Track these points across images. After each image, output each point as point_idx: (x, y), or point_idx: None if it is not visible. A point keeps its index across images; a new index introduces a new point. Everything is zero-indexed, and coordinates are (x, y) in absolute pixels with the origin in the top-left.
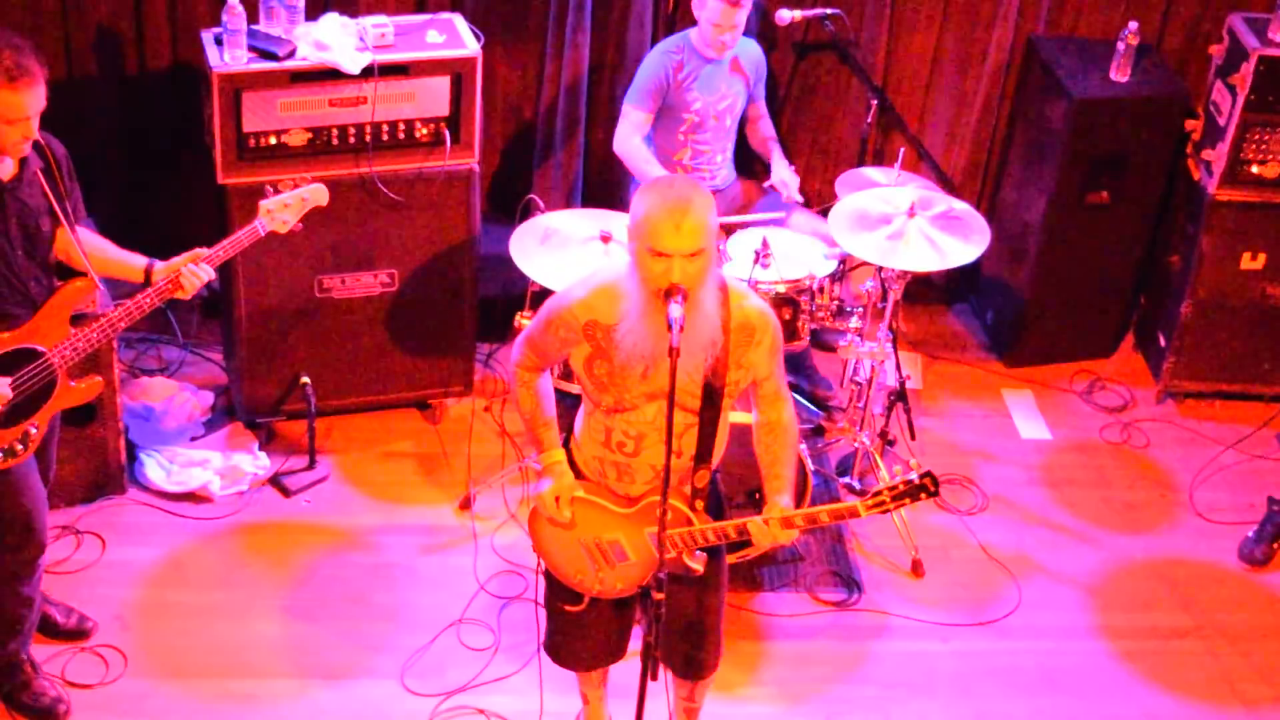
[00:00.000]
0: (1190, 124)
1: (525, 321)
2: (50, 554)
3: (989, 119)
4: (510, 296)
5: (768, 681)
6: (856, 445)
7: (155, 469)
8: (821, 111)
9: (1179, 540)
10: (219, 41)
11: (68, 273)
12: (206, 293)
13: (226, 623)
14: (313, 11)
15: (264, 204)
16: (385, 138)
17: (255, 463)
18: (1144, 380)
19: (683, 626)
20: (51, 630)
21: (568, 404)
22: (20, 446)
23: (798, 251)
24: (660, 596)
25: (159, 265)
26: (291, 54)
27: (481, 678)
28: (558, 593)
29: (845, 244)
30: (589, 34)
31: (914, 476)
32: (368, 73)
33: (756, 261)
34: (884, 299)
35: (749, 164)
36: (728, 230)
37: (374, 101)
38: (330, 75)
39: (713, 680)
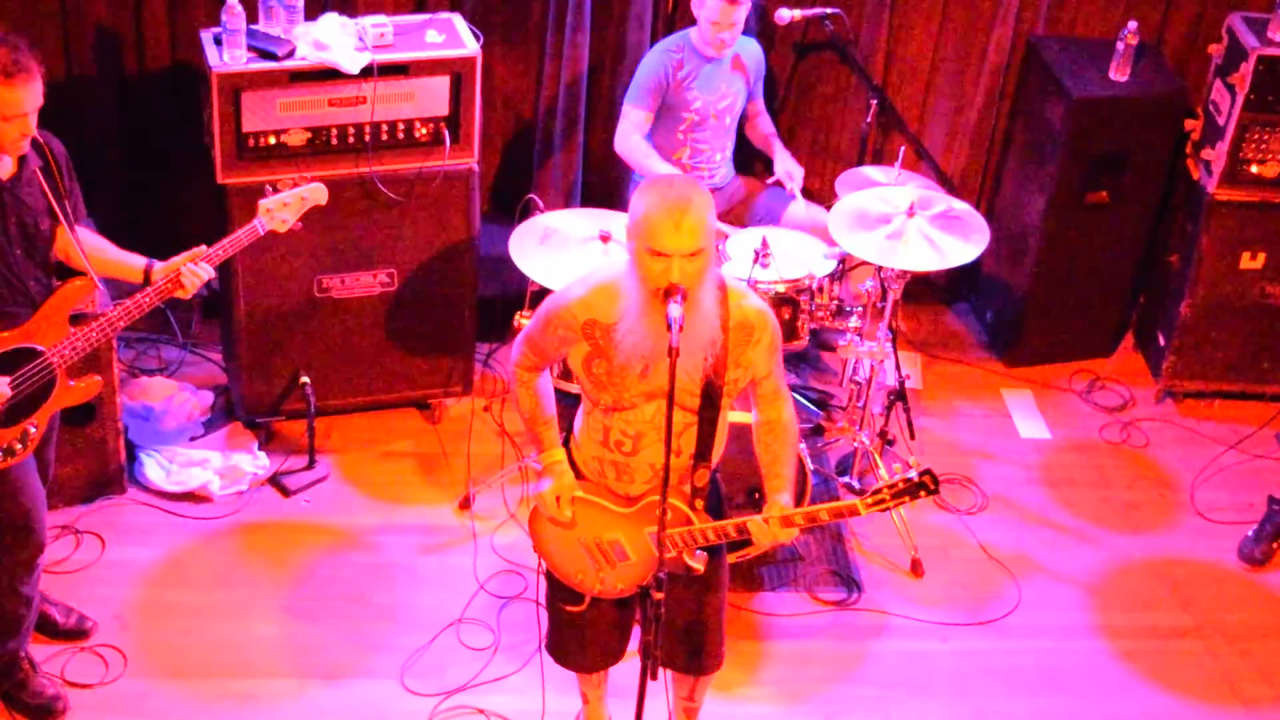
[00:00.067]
0: (1190, 123)
1: (525, 321)
2: (50, 554)
3: (988, 118)
4: (510, 296)
5: (767, 681)
6: (856, 445)
7: (155, 469)
8: (821, 111)
9: (1178, 540)
10: (218, 41)
11: (67, 272)
12: (206, 292)
13: (226, 622)
14: (312, 11)
15: (263, 203)
16: (385, 137)
17: (255, 462)
18: (1143, 380)
19: (684, 626)
20: (51, 630)
21: (567, 403)
22: (19, 446)
23: (797, 251)
24: (660, 596)
25: (158, 265)
26: (291, 54)
27: (481, 677)
28: (558, 593)
29: (845, 243)
30: (588, 33)
31: (914, 475)
32: (367, 72)
33: (756, 261)
34: (883, 298)
35: (748, 162)
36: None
37: (373, 101)
38: (330, 75)
39: (713, 679)
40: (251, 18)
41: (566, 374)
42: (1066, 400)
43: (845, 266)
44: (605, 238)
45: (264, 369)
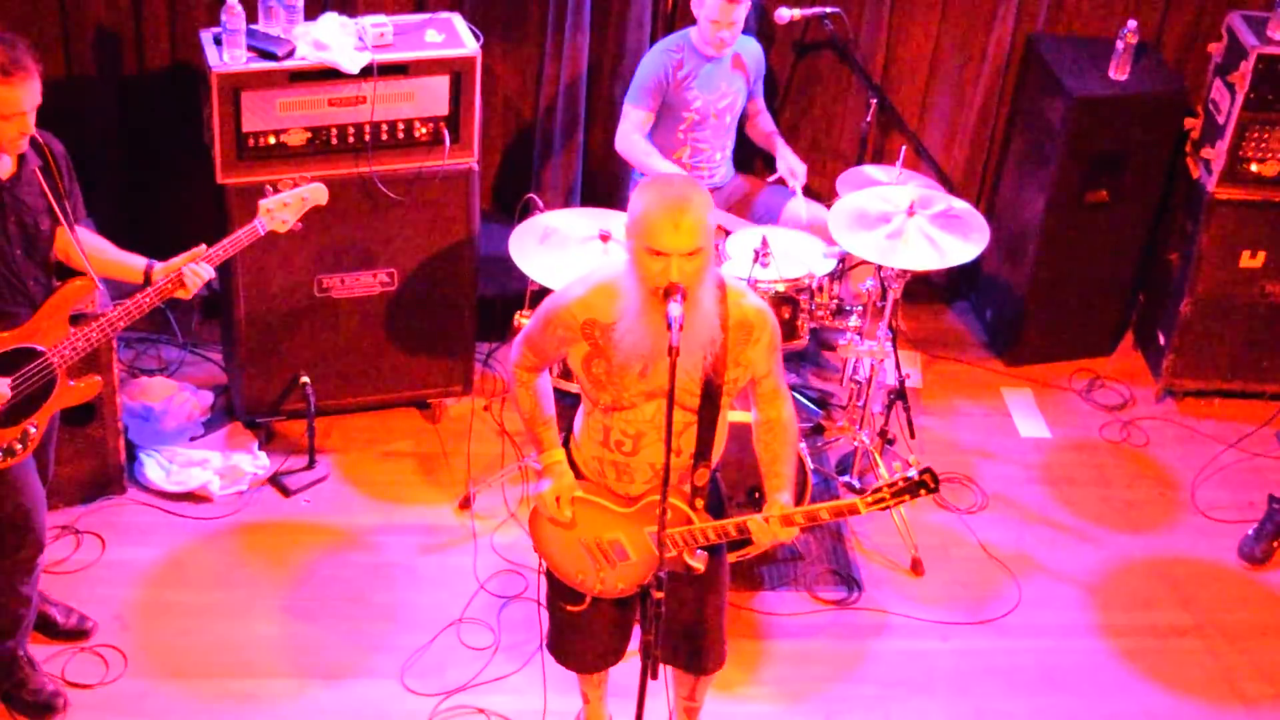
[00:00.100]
0: (1189, 122)
1: (524, 320)
2: (50, 554)
3: (988, 117)
4: (509, 296)
5: (767, 680)
6: (856, 444)
7: (155, 469)
8: (821, 110)
9: (1179, 539)
10: (218, 41)
11: (67, 273)
12: (206, 292)
13: (226, 622)
14: (311, 11)
15: (263, 203)
16: (384, 137)
17: (255, 462)
18: (1143, 378)
19: (684, 625)
20: (51, 630)
21: (567, 403)
22: (19, 446)
23: (797, 250)
24: (660, 595)
25: (158, 266)
26: (290, 54)
27: (481, 677)
28: (559, 593)
29: (845, 243)
30: (588, 33)
31: (913, 473)
32: (367, 72)
33: (756, 260)
34: (883, 298)
35: (749, 160)
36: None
37: (373, 101)
38: (329, 75)
39: (714, 679)
40: (251, 17)
41: (566, 373)
42: (1066, 399)
43: (845, 266)
44: (605, 237)
45: (264, 369)
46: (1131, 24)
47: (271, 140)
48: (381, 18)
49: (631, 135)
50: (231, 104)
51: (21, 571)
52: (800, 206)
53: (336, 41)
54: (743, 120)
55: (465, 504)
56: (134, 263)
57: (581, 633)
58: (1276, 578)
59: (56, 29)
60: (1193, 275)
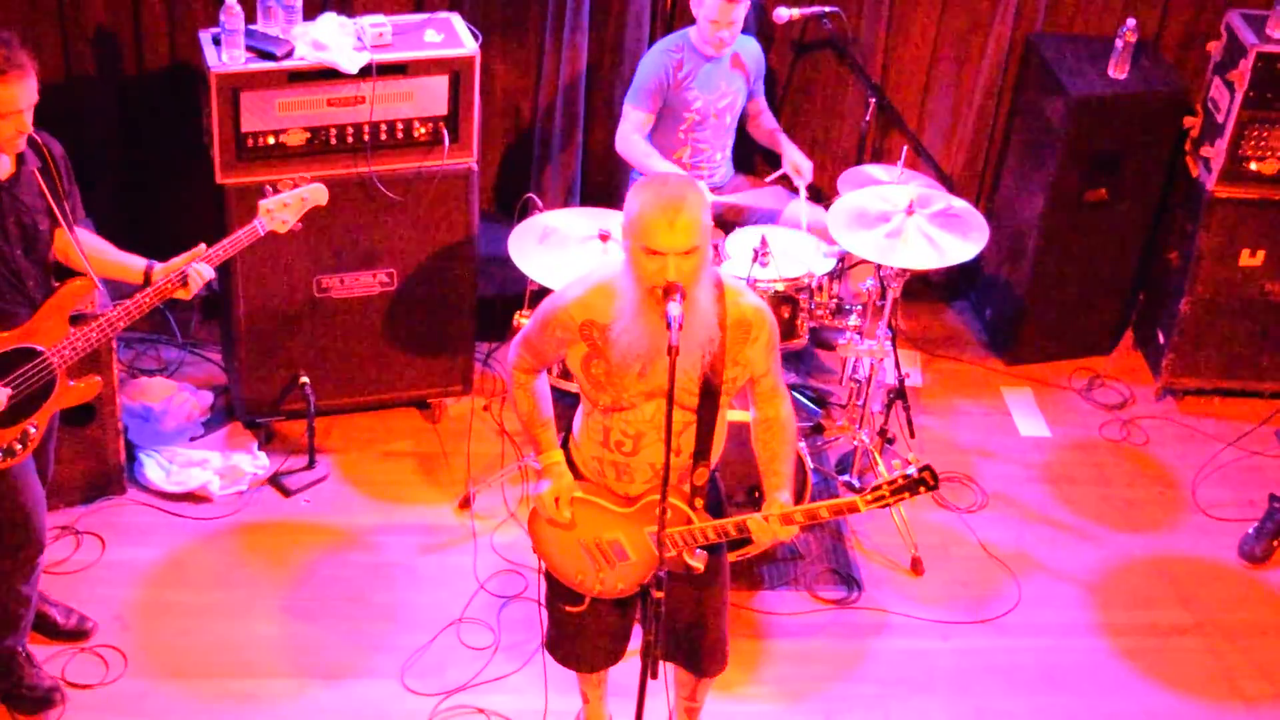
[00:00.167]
0: (1189, 121)
1: (524, 320)
2: (50, 554)
3: (987, 116)
4: (509, 295)
5: (767, 680)
6: (856, 443)
7: (154, 469)
8: (820, 109)
9: (1179, 537)
10: (217, 41)
11: (67, 273)
12: (206, 292)
13: (226, 622)
14: (310, 11)
15: (263, 204)
16: (384, 137)
17: (254, 462)
18: (1143, 377)
19: (685, 624)
20: (51, 630)
21: (567, 403)
22: (19, 446)
23: (796, 249)
24: (660, 595)
25: (158, 266)
26: (289, 54)
27: (481, 677)
28: (558, 593)
29: (844, 242)
30: (587, 33)
31: (913, 471)
32: (366, 72)
33: (755, 260)
34: (883, 297)
35: (749, 158)
36: (725, 227)
37: (372, 101)
38: (328, 75)
39: (715, 680)
40: (250, 18)
41: (566, 373)
42: (1066, 398)
43: (845, 265)
44: (604, 237)
45: (264, 369)
46: (1130, 23)
47: (271, 140)
48: (380, 17)
49: (631, 136)
50: (230, 104)
51: (21, 572)
52: (800, 209)
53: (335, 41)
54: (745, 120)
55: (465, 504)
56: (133, 263)
57: (581, 633)
58: (1277, 577)
59: (56, 29)
60: (1192, 274)
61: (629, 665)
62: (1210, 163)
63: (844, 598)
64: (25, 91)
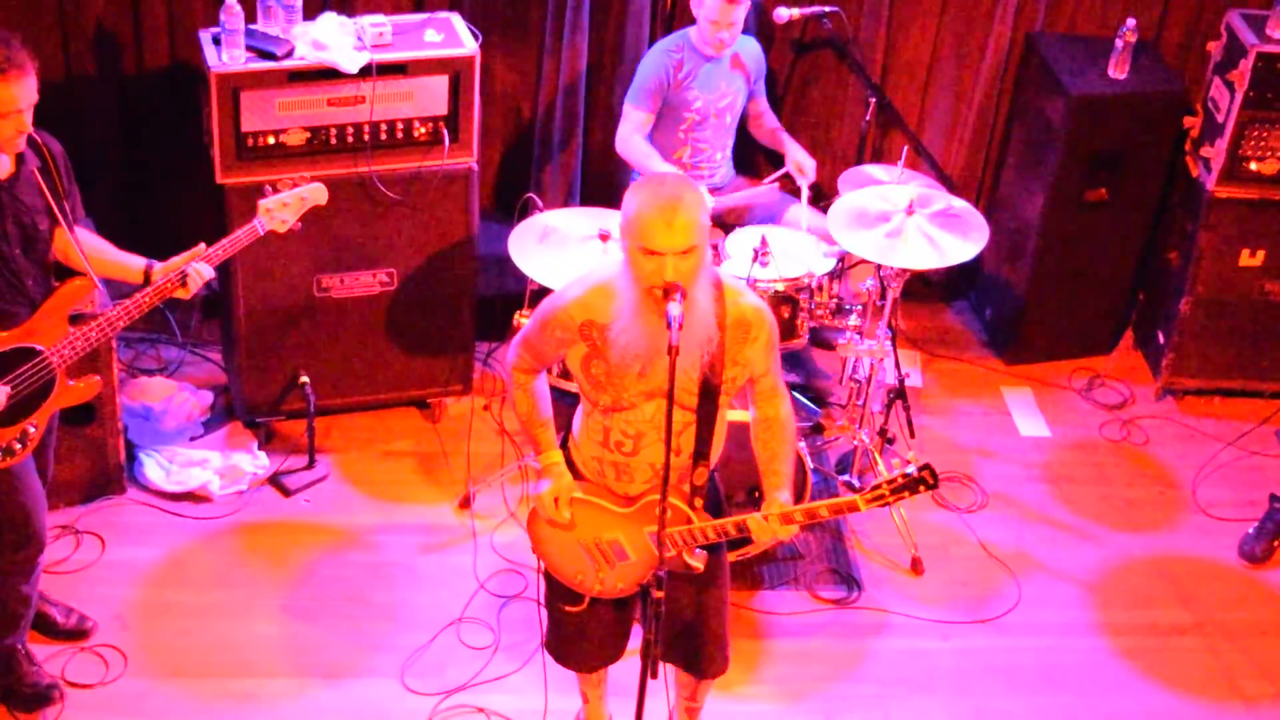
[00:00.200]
0: (1189, 121)
1: (524, 320)
2: (50, 554)
3: (987, 116)
4: (509, 295)
5: (767, 679)
6: (855, 443)
7: (154, 469)
8: (820, 109)
9: (1178, 537)
10: (217, 41)
11: (66, 273)
12: (206, 292)
13: (226, 622)
14: (310, 11)
15: (263, 203)
16: (384, 137)
17: (254, 462)
18: (1143, 377)
19: (685, 624)
20: (51, 630)
21: (567, 402)
22: (18, 445)
23: (797, 249)
24: (660, 595)
25: (158, 266)
26: (289, 53)
27: (481, 676)
28: (558, 593)
29: (844, 242)
30: (587, 32)
31: (912, 470)
32: (366, 72)
33: (755, 259)
34: (883, 297)
35: (751, 159)
36: (725, 228)
37: (372, 101)
38: (328, 75)
39: (715, 681)
40: (250, 17)
41: (566, 373)
42: (1066, 398)
43: (845, 265)
44: (605, 236)
45: (263, 369)
46: (1130, 22)
47: (270, 140)
48: (380, 17)
49: (632, 136)
50: (230, 104)
51: (21, 571)
52: (801, 214)
53: (335, 41)
54: (747, 121)
55: (465, 503)
56: (133, 263)
57: (580, 633)
58: (1276, 576)
59: (56, 29)
60: (1192, 274)
61: (629, 665)
62: (1210, 163)
63: (844, 597)
64: (25, 91)
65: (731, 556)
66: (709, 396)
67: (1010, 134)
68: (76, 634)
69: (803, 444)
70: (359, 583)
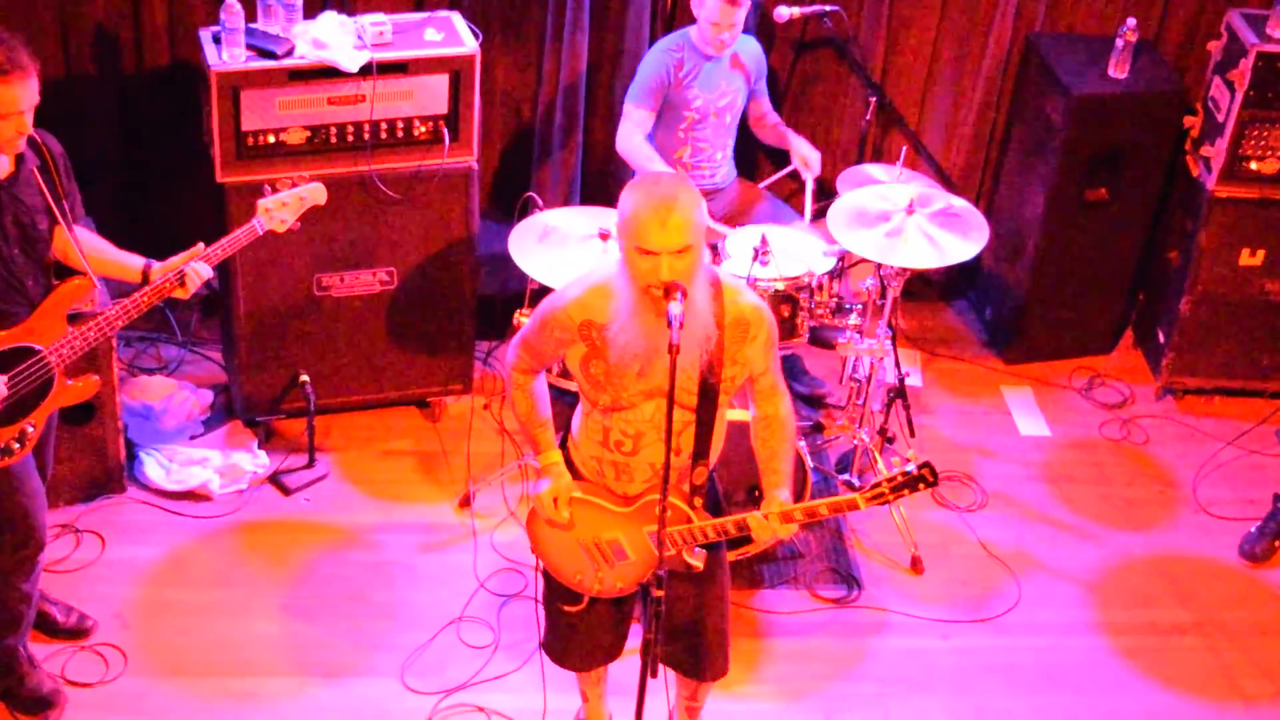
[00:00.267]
0: (1189, 120)
1: (524, 319)
2: (50, 552)
3: (987, 116)
4: (509, 294)
5: (767, 679)
6: (855, 442)
7: (154, 467)
8: (820, 109)
9: (1178, 536)
10: (217, 40)
11: (66, 272)
12: (205, 291)
13: (226, 621)
14: (310, 10)
15: (262, 203)
16: (384, 136)
17: (254, 461)
18: (1143, 377)
19: (685, 623)
20: (51, 629)
21: (567, 401)
22: (17, 445)
23: (797, 249)
24: (660, 594)
25: (157, 266)
26: (290, 52)
27: (481, 675)
28: (557, 593)
29: (844, 241)
30: (587, 32)
31: (912, 468)
32: (366, 71)
33: (755, 258)
34: (883, 296)
35: (749, 164)
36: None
37: (372, 100)
38: (328, 73)
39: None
40: (250, 16)
41: (566, 372)
42: (1066, 397)
43: (845, 264)
44: (605, 235)
45: (263, 367)
46: (1131, 22)
47: (271, 139)
48: (380, 16)
49: (633, 136)
50: (231, 103)
51: (22, 570)
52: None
53: (335, 40)
54: (751, 122)
55: (465, 502)
56: (132, 262)
57: (578, 632)
58: (1276, 575)
59: (56, 28)
60: (1192, 273)
61: (629, 664)
62: (1210, 162)
63: (844, 597)
64: (27, 92)
65: (731, 555)
66: (708, 396)
67: (1010, 134)
68: (76, 633)
69: (803, 443)
70: (359, 582)
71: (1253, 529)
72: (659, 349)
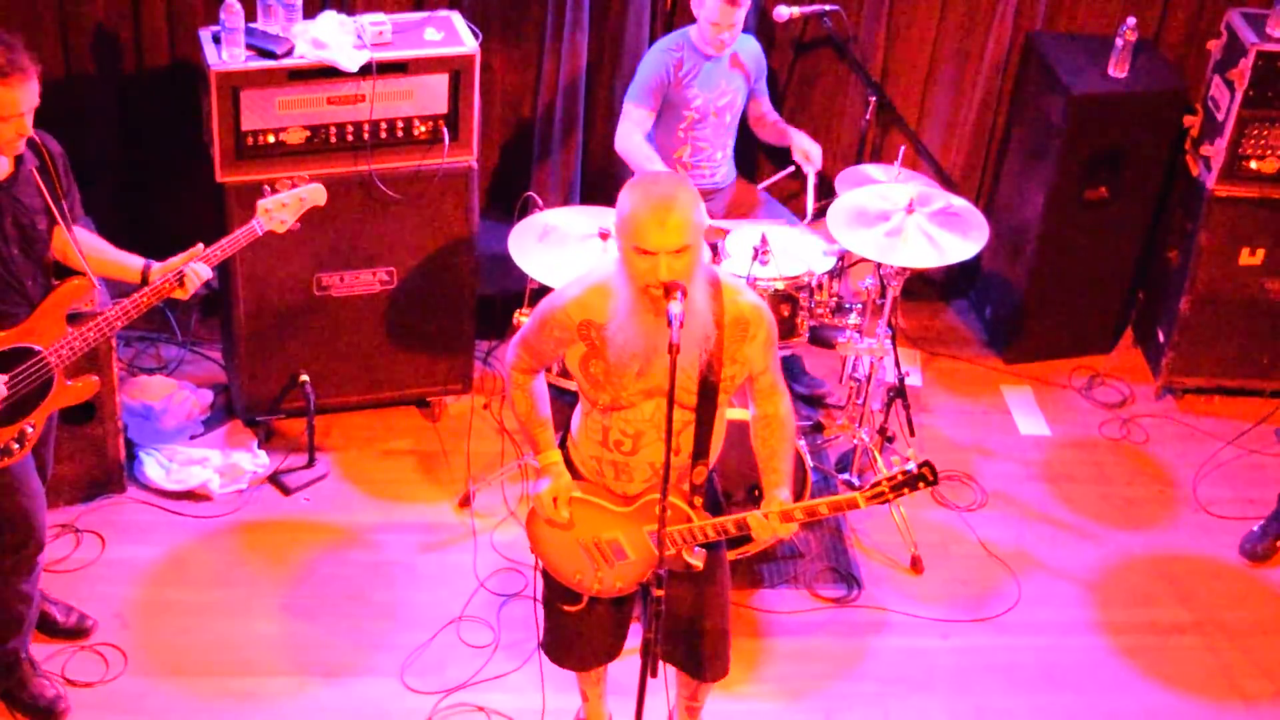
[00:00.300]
0: (1189, 119)
1: (524, 318)
2: (50, 552)
3: (987, 115)
4: (509, 294)
5: (767, 678)
6: (855, 442)
7: (154, 467)
8: (820, 108)
9: (1178, 536)
10: (217, 40)
11: (65, 273)
12: (205, 291)
13: (226, 621)
14: (310, 9)
15: (261, 203)
16: (384, 135)
17: (254, 461)
18: (1143, 376)
19: (685, 622)
20: (51, 629)
21: (566, 401)
22: (16, 445)
23: (796, 248)
24: (660, 593)
25: (156, 266)
26: (289, 52)
27: (481, 675)
28: (556, 592)
29: (844, 241)
30: (587, 31)
31: (912, 467)
32: (366, 70)
33: (755, 258)
34: (883, 295)
35: (749, 164)
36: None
37: (372, 99)
38: (328, 73)
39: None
40: (250, 16)
41: (565, 371)
42: (1066, 397)
43: (844, 263)
44: (604, 235)
45: (263, 367)
46: (1130, 21)
47: (270, 139)
48: (380, 16)
49: (633, 135)
50: (230, 102)
51: (22, 570)
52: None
53: (335, 40)
54: (752, 122)
55: (465, 502)
56: (131, 262)
57: (577, 632)
58: (1276, 575)
59: (55, 28)
60: (1192, 272)
61: (629, 664)
62: (1210, 161)
63: (843, 596)
64: (27, 94)
65: (731, 555)
66: (708, 395)
67: (1010, 133)
68: (76, 632)
69: (802, 442)
70: (359, 581)
71: (1254, 528)
72: (658, 348)
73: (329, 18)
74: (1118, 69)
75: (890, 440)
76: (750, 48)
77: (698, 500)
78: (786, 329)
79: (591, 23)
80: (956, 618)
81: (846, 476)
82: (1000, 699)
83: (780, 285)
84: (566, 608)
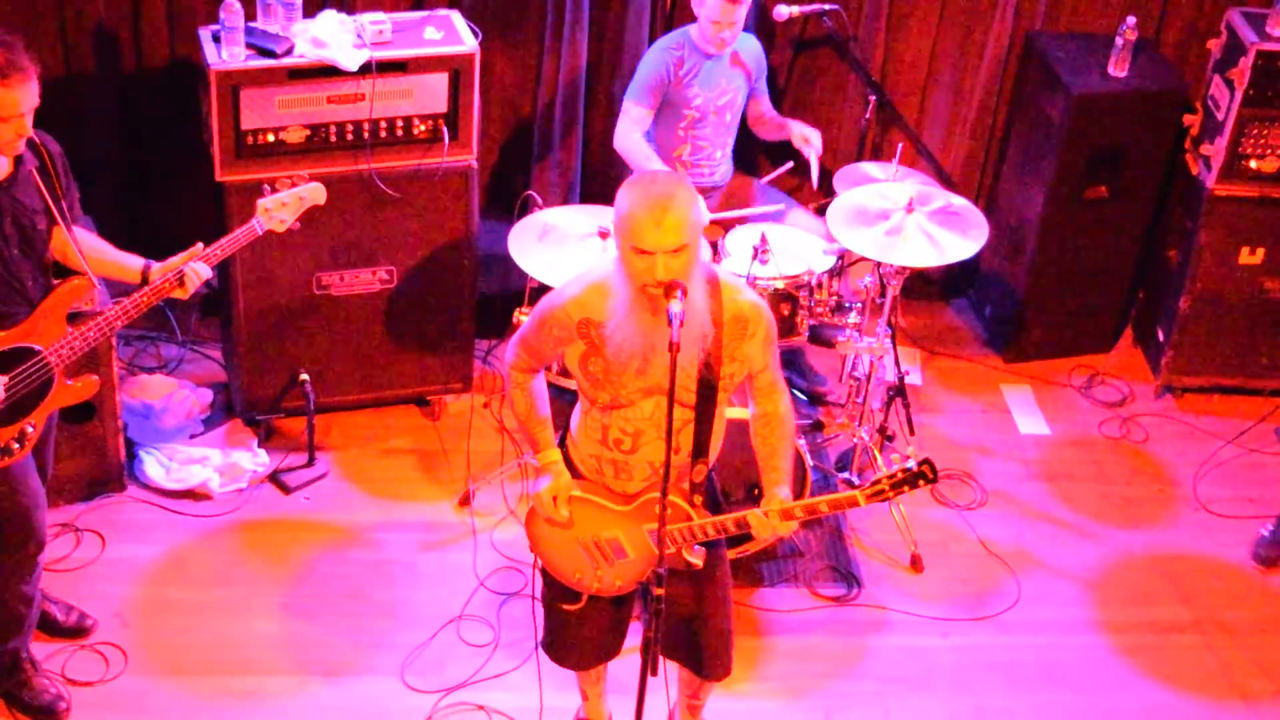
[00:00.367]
0: (1188, 119)
1: (524, 317)
2: (50, 552)
3: (987, 114)
4: (509, 293)
5: (767, 677)
6: (855, 441)
7: (154, 466)
8: (820, 107)
9: (1178, 535)
10: (217, 39)
11: (65, 272)
12: (205, 290)
13: (226, 620)
14: (310, 8)
15: (261, 203)
16: (383, 134)
17: (254, 460)
18: (1143, 375)
19: (686, 621)
20: (51, 628)
21: (566, 400)
22: (16, 445)
23: (796, 247)
24: (660, 592)
25: (156, 266)
26: (289, 51)
27: (481, 674)
28: (556, 591)
29: (844, 239)
30: (587, 30)
31: (912, 464)
32: (366, 69)
33: (755, 257)
34: (883, 294)
35: (749, 162)
36: (725, 225)
37: (372, 98)
38: (328, 72)
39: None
40: (250, 15)
41: (565, 370)
42: (1066, 396)
43: (844, 262)
44: (604, 234)
45: (263, 366)
46: (1130, 20)
47: (270, 138)
48: (380, 15)
49: (632, 134)
50: (230, 102)
51: (22, 570)
52: (800, 219)
53: (335, 39)
54: (753, 121)
55: (465, 501)
56: (131, 262)
57: (577, 631)
58: (1276, 574)
59: (55, 27)
60: (1192, 271)
61: (629, 663)
62: (1210, 160)
63: (843, 595)
64: (27, 95)
65: (731, 553)
66: (707, 393)
67: (1010, 132)
68: (77, 632)
69: (802, 441)
70: (359, 580)
71: (1264, 532)
72: (657, 347)
73: (329, 17)
74: (1117, 68)
75: (890, 439)
76: (751, 46)
77: (697, 499)
78: (786, 328)
79: (591, 22)
80: (956, 616)
81: (846, 475)
82: (1000, 698)
83: (780, 284)
84: (566, 606)
